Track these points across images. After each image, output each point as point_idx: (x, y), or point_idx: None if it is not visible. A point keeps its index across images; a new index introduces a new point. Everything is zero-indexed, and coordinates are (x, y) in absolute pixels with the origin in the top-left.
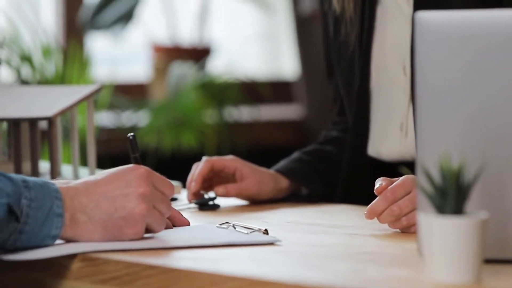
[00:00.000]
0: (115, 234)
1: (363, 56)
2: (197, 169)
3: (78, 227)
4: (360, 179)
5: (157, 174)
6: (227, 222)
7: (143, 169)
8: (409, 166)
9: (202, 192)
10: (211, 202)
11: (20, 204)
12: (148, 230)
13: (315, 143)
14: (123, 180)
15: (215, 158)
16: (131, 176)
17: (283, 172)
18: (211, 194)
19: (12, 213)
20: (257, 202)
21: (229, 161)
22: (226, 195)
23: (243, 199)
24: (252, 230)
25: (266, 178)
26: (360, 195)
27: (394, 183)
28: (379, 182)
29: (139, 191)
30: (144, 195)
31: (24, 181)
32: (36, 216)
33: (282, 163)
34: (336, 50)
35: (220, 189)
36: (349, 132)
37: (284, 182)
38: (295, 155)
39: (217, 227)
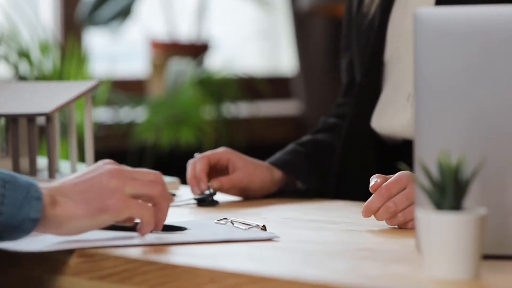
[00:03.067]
0: (98, 206)
1: (381, 25)
2: (198, 168)
3: (59, 206)
4: (359, 151)
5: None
6: (225, 218)
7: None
8: (406, 144)
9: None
10: (210, 198)
11: None
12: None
13: (311, 132)
14: (92, 170)
15: (208, 153)
16: (100, 164)
17: (277, 164)
18: (211, 190)
19: None
20: (253, 198)
21: (222, 153)
22: (221, 188)
23: (237, 194)
24: (250, 226)
25: (259, 169)
26: (357, 170)
27: (389, 180)
28: (374, 179)
29: (108, 168)
30: (113, 172)
31: None
32: (13, 197)
33: (276, 155)
34: (358, 23)
35: (215, 183)
36: (353, 102)
37: (277, 174)
38: (290, 146)
39: (215, 223)
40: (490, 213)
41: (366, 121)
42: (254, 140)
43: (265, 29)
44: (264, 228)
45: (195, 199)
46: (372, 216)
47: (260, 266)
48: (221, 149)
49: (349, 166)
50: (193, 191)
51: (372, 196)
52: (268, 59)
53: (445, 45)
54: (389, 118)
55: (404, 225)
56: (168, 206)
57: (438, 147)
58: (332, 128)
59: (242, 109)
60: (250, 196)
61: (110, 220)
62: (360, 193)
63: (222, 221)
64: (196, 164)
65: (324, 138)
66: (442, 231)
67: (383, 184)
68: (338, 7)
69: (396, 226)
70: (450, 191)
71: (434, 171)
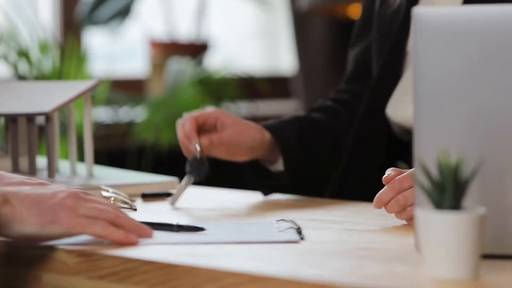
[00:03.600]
0: (50, 218)
1: (406, 16)
2: (187, 127)
3: (9, 206)
4: (372, 140)
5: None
6: (282, 219)
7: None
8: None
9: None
10: (199, 158)
11: None
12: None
13: (308, 110)
14: (51, 187)
15: (196, 112)
16: (61, 186)
17: (269, 128)
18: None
19: None
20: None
21: (210, 112)
22: (211, 145)
23: (225, 153)
24: (287, 228)
25: (249, 128)
26: (367, 158)
27: (402, 174)
28: (388, 172)
29: (67, 189)
30: (71, 193)
31: None
32: None
33: (271, 121)
34: (381, 13)
35: (204, 140)
36: (370, 89)
37: (267, 137)
38: (287, 117)
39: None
40: (489, 213)
41: (381, 109)
42: None
43: (264, 29)
44: (299, 230)
45: (187, 169)
46: (372, 215)
47: (260, 265)
48: (209, 108)
49: (360, 152)
50: (186, 152)
51: (384, 188)
52: (267, 59)
53: (445, 45)
54: (405, 107)
55: (411, 221)
56: (127, 217)
57: (437, 146)
58: (327, 110)
59: (242, 109)
60: (238, 158)
61: (59, 233)
62: (367, 184)
63: (279, 222)
64: (184, 124)
65: (318, 117)
66: (442, 230)
67: (396, 177)
68: (337, 7)
69: (396, 225)
70: (449, 191)
71: (434, 171)
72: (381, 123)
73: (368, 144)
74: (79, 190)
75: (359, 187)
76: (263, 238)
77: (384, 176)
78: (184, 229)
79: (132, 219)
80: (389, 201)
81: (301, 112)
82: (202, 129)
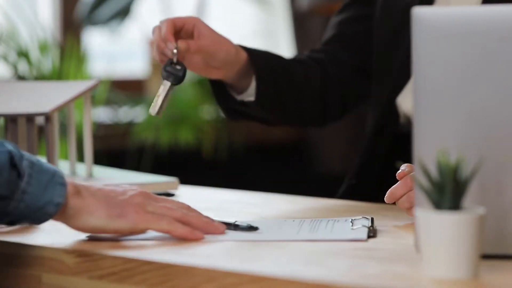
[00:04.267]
0: (118, 212)
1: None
2: (164, 30)
3: (81, 198)
4: (389, 136)
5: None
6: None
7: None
8: None
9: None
10: (175, 61)
11: (22, 162)
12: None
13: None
14: (120, 186)
15: (174, 17)
16: (128, 187)
17: (245, 48)
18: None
19: (13, 166)
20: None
21: (188, 18)
22: (187, 50)
23: (200, 62)
24: (358, 227)
25: (226, 40)
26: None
27: None
28: (402, 168)
29: (136, 189)
30: (140, 192)
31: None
32: (39, 179)
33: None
34: (389, 5)
35: (182, 44)
36: (390, 84)
37: (243, 55)
38: (265, 50)
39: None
40: (489, 213)
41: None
42: (254, 140)
43: (264, 28)
44: (372, 228)
45: (163, 74)
46: (372, 216)
47: (260, 265)
48: (187, 16)
49: (377, 149)
50: (160, 56)
51: (397, 183)
52: None
53: (444, 45)
54: (409, 98)
55: None
56: (197, 215)
57: (437, 146)
58: (301, 61)
59: None
60: (211, 72)
61: (126, 228)
62: (383, 183)
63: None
64: (161, 27)
65: (290, 61)
66: (441, 230)
67: (410, 174)
68: (337, 6)
69: (396, 225)
70: (449, 191)
71: (433, 170)
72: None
73: (386, 140)
74: (150, 193)
75: (375, 186)
76: (333, 237)
77: (398, 172)
78: (240, 228)
79: (203, 217)
80: (401, 196)
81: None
82: (178, 35)
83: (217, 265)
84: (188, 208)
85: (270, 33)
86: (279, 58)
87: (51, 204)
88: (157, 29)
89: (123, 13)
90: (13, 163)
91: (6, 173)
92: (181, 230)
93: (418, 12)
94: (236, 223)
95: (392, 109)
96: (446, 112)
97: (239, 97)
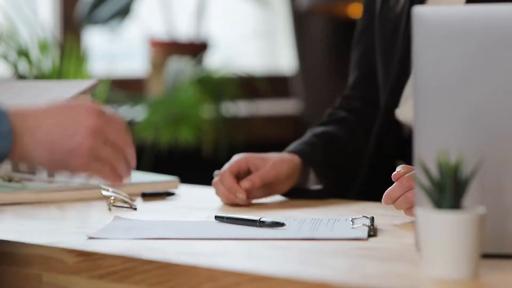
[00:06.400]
0: (61, 164)
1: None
2: (227, 183)
3: (25, 149)
4: (392, 143)
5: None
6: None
7: (94, 104)
8: None
9: None
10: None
11: None
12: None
13: (321, 123)
14: (74, 110)
15: (227, 166)
16: (82, 108)
17: (295, 151)
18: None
19: None
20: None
21: (239, 160)
22: (253, 186)
23: (266, 191)
24: (359, 226)
25: (280, 158)
26: (387, 164)
27: (412, 171)
28: (398, 169)
29: (87, 124)
30: (92, 129)
31: None
32: None
33: (293, 145)
34: (383, 16)
35: (245, 183)
36: (383, 95)
37: (297, 160)
38: (307, 137)
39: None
40: (489, 212)
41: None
42: (253, 139)
43: (264, 28)
44: (372, 227)
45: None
46: (372, 215)
47: (259, 264)
48: (235, 157)
49: (380, 155)
50: (233, 201)
51: (393, 184)
52: (267, 58)
53: (444, 45)
54: (410, 107)
55: None
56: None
57: (437, 145)
58: (342, 121)
59: (241, 108)
60: (278, 191)
61: (67, 173)
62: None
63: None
64: (223, 181)
65: (335, 131)
66: (441, 230)
67: (406, 175)
68: (337, 6)
69: (396, 225)
70: (449, 190)
71: (433, 169)
72: (397, 125)
73: (387, 146)
74: (97, 115)
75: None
76: (334, 235)
77: (393, 173)
78: (266, 224)
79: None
80: (398, 198)
81: (317, 129)
82: (237, 177)
83: (217, 265)
84: (126, 147)
85: (270, 33)
86: (322, 138)
87: None
88: (219, 184)
89: (123, 12)
90: None
91: None
92: (107, 177)
93: (418, 12)
94: (262, 219)
95: (391, 119)
96: (446, 112)
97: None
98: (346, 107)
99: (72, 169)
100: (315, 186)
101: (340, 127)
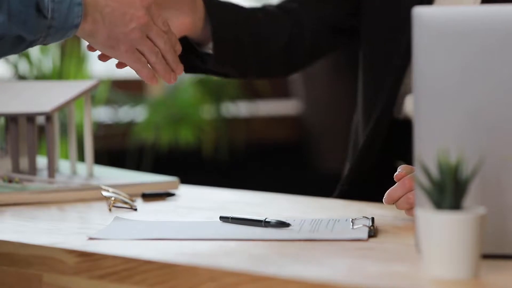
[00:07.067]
0: (113, 42)
1: None
2: None
3: (93, 24)
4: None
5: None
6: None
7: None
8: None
9: None
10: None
11: (44, 1)
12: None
13: (252, 8)
14: (128, 13)
15: None
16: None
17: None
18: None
19: (39, 11)
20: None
21: None
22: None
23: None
24: (359, 226)
25: None
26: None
27: (414, 172)
28: (399, 169)
29: (138, 14)
30: (137, 31)
31: None
32: (60, 9)
33: None
34: (383, 13)
35: None
36: (382, 93)
37: (200, 3)
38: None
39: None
40: (489, 213)
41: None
42: (254, 139)
43: None
44: (372, 227)
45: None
46: (372, 215)
47: (260, 265)
48: None
49: (374, 151)
50: None
51: (395, 185)
52: None
53: (444, 44)
54: (407, 103)
55: None
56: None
57: (437, 145)
58: (268, 13)
59: (242, 109)
60: (177, 23)
61: (112, 57)
62: (378, 184)
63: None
64: None
65: (258, 16)
66: (442, 230)
67: (408, 175)
68: None
69: (396, 225)
70: (449, 191)
71: (434, 170)
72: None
73: (383, 143)
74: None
75: (370, 187)
76: (334, 236)
77: (395, 174)
78: (272, 225)
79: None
80: (399, 198)
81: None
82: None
83: (217, 265)
84: (170, 48)
85: None
86: (239, 8)
87: (72, 28)
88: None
89: None
90: (39, 9)
91: (35, 24)
92: (145, 75)
93: (418, 12)
94: (267, 219)
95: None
96: (446, 112)
97: (200, 49)
98: (282, 5)
99: (118, 55)
100: (207, 50)
101: (260, 12)
